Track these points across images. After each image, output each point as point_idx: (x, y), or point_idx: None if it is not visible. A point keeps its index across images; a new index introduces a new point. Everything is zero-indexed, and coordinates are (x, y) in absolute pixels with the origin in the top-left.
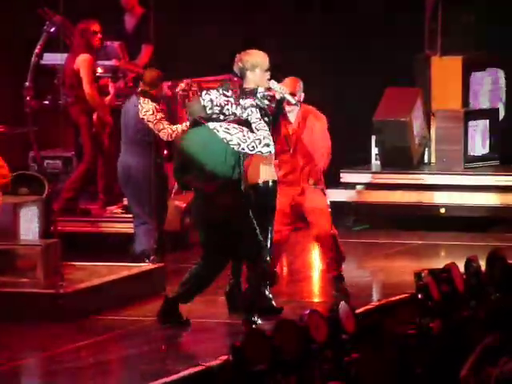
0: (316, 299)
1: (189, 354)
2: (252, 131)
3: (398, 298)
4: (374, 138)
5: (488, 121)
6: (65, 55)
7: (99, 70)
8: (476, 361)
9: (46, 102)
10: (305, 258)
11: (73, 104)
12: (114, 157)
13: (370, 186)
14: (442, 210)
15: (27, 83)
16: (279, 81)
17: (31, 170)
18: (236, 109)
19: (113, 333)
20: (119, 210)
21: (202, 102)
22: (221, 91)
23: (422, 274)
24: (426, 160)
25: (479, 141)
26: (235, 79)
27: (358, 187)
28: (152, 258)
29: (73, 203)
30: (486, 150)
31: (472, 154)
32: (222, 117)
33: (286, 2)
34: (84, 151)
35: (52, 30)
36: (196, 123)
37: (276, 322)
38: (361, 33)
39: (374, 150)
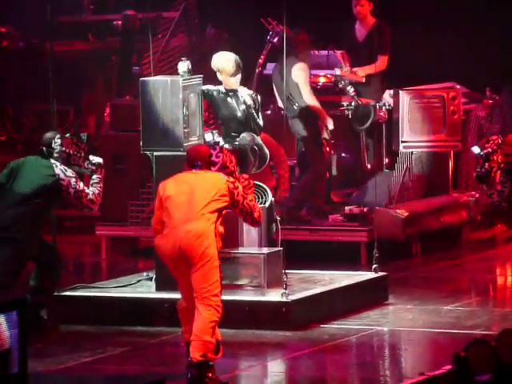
0: None
1: (411, 363)
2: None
3: None
4: None
5: None
6: None
7: (321, 80)
8: None
9: (269, 112)
10: None
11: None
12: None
13: None
14: None
15: None
16: None
17: None
18: (82, 162)
19: (334, 342)
20: (341, 219)
21: (52, 142)
22: (75, 140)
23: None
24: None
25: None
26: (457, 86)
27: None
28: (374, 266)
29: (296, 212)
30: None
31: None
32: (64, 162)
33: None
34: (310, 160)
35: (275, 40)
36: (41, 153)
37: (500, 331)
38: None
39: None
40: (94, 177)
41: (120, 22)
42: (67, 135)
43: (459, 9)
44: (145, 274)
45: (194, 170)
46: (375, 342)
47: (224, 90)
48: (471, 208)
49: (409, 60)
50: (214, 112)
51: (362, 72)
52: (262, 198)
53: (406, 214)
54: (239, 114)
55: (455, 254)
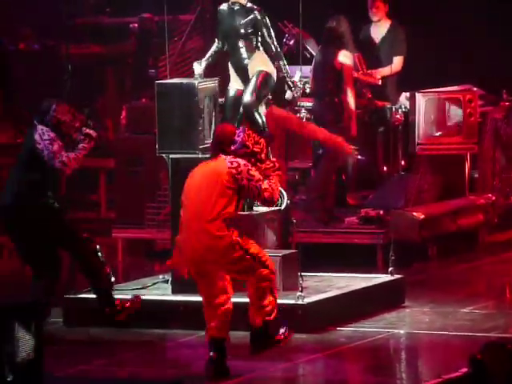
0: None
1: (428, 366)
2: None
3: None
4: None
5: None
6: (304, 67)
7: None
8: None
9: None
10: None
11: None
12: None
13: None
14: None
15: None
16: None
17: None
18: (74, 132)
19: (351, 345)
20: (357, 221)
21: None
22: (73, 109)
23: None
24: None
25: None
26: (474, 89)
27: None
28: (391, 269)
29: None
30: None
31: None
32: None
33: None
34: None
35: (291, 42)
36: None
37: None
38: None
39: None
40: (80, 145)
41: (136, 25)
42: (68, 105)
43: (474, 11)
44: (161, 276)
45: (209, 161)
46: (392, 345)
47: (231, 4)
48: (488, 210)
49: (425, 62)
50: (218, 29)
51: (378, 74)
52: (278, 200)
53: (422, 216)
54: (242, 28)
55: (472, 257)
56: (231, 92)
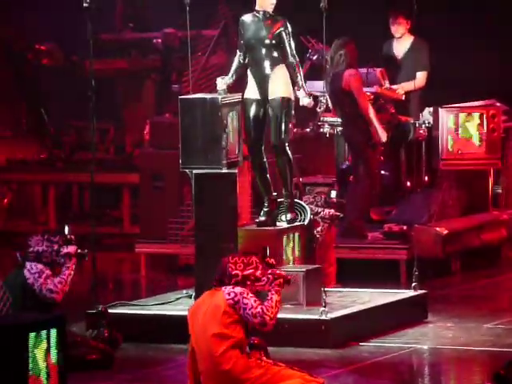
0: None
1: (452, 381)
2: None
3: None
4: None
5: None
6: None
7: None
8: None
9: (308, 130)
10: None
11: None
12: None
13: None
14: None
15: None
16: None
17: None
18: (56, 256)
19: (374, 360)
20: (380, 236)
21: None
22: (47, 235)
23: None
24: None
25: None
26: (498, 104)
27: None
28: (414, 284)
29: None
30: None
31: None
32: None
33: None
34: (364, 164)
35: (315, 57)
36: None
37: None
38: None
39: None
40: (63, 268)
41: (160, 40)
42: (41, 234)
43: (498, 24)
44: (184, 291)
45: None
46: (415, 361)
47: (256, 13)
48: (511, 226)
49: (448, 77)
50: (241, 37)
51: (401, 90)
52: (301, 215)
53: (445, 231)
54: (267, 39)
55: (495, 272)
56: (249, 103)
